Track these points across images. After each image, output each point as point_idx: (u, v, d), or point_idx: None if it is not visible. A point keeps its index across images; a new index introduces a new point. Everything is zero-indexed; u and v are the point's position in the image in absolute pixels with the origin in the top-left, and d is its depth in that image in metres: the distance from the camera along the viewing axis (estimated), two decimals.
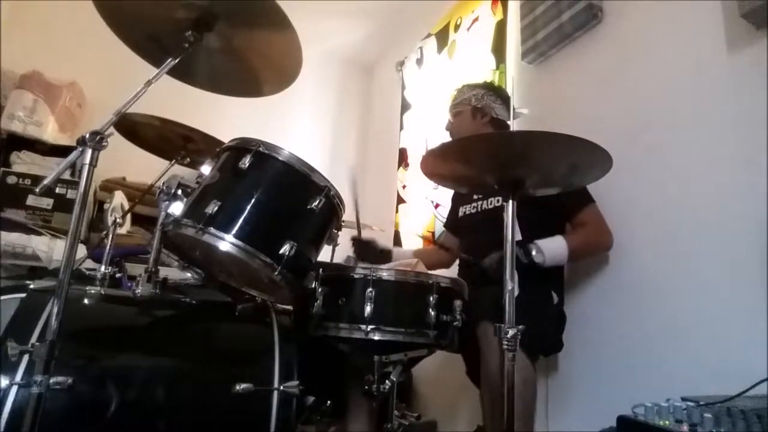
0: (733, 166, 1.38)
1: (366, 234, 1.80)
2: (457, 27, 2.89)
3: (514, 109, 1.87)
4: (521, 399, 1.26)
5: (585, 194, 1.58)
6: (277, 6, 1.12)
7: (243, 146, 1.18)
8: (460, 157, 1.14)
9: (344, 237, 1.39)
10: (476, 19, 2.70)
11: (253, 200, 1.12)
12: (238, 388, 1.06)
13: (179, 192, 1.17)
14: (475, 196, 1.84)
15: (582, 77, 1.96)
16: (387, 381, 1.23)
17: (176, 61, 1.14)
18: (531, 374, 1.39)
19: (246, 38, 1.24)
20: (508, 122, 1.87)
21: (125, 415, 1.01)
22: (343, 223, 1.33)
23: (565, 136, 0.96)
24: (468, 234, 1.90)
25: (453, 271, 1.88)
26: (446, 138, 1.91)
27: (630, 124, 1.69)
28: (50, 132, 2.47)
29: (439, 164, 1.20)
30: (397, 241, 3.07)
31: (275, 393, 1.12)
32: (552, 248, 1.48)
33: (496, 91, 1.89)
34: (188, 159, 1.72)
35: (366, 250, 1.78)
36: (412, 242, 2.91)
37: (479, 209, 1.81)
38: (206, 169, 1.21)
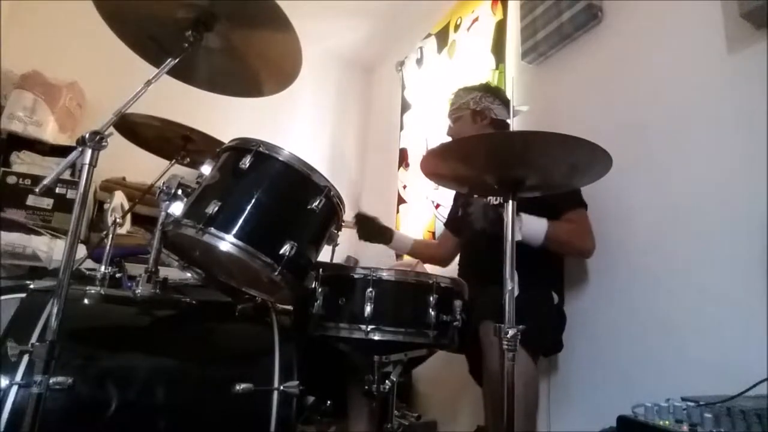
0: (733, 166, 1.38)
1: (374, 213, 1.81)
2: (457, 27, 2.89)
3: (513, 108, 1.87)
4: (523, 400, 1.26)
5: (577, 197, 1.58)
6: (277, 6, 1.12)
7: (243, 146, 1.18)
8: (460, 157, 1.14)
9: (344, 237, 1.39)
10: (476, 19, 2.70)
11: (253, 200, 1.12)
12: (238, 388, 1.06)
13: (179, 192, 1.17)
14: (474, 195, 1.84)
15: (582, 77, 1.96)
16: (387, 381, 1.23)
17: (176, 61, 1.14)
18: (533, 375, 1.39)
19: (246, 38, 1.24)
20: (508, 121, 1.87)
21: (125, 415, 1.01)
22: (343, 223, 1.33)
23: (565, 136, 0.96)
24: (466, 232, 1.90)
25: (453, 271, 1.88)
26: (447, 138, 1.91)
27: (630, 124, 1.69)
28: (50, 132, 2.46)
29: (439, 164, 1.20)
30: None
31: (275, 393, 1.12)
32: (531, 222, 1.45)
33: (493, 92, 1.89)
34: (188, 159, 1.72)
35: (367, 226, 1.78)
36: None
37: None
38: (206, 169, 1.21)
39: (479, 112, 1.82)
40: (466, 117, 1.84)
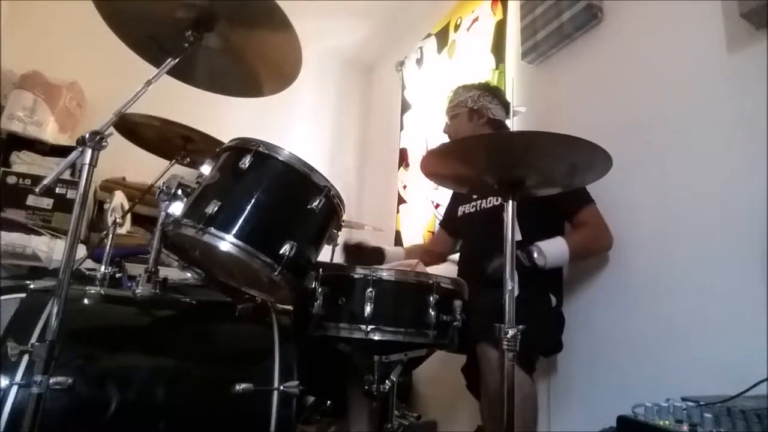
0: (733, 166, 1.38)
1: (356, 236, 1.80)
2: (457, 27, 2.89)
3: (513, 108, 1.87)
4: (521, 416, 1.25)
5: (584, 194, 1.59)
6: (277, 6, 1.11)
7: (243, 146, 1.18)
8: (460, 158, 1.14)
9: (344, 237, 1.39)
10: (476, 19, 2.70)
11: (253, 200, 1.12)
12: (238, 388, 1.06)
13: (179, 192, 1.17)
14: (474, 195, 1.84)
15: (582, 77, 1.96)
16: (387, 381, 1.23)
17: (176, 61, 1.14)
18: (531, 390, 1.38)
19: (246, 38, 1.24)
20: (506, 122, 1.87)
21: (125, 415, 1.01)
22: (342, 223, 1.33)
23: (565, 136, 0.96)
24: (467, 233, 1.90)
25: (453, 271, 1.88)
26: (446, 139, 1.91)
27: (629, 124, 1.69)
28: (50, 132, 2.47)
29: (439, 164, 1.20)
30: (398, 241, 3.06)
31: (275, 393, 1.12)
32: (553, 249, 1.48)
33: (492, 92, 1.89)
34: (188, 159, 1.72)
35: (356, 252, 1.77)
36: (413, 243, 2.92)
37: (478, 208, 1.81)
38: (206, 169, 1.21)
39: (476, 111, 1.82)
40: (462, 115, 1.84)
